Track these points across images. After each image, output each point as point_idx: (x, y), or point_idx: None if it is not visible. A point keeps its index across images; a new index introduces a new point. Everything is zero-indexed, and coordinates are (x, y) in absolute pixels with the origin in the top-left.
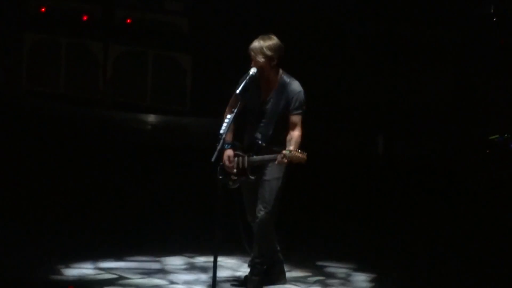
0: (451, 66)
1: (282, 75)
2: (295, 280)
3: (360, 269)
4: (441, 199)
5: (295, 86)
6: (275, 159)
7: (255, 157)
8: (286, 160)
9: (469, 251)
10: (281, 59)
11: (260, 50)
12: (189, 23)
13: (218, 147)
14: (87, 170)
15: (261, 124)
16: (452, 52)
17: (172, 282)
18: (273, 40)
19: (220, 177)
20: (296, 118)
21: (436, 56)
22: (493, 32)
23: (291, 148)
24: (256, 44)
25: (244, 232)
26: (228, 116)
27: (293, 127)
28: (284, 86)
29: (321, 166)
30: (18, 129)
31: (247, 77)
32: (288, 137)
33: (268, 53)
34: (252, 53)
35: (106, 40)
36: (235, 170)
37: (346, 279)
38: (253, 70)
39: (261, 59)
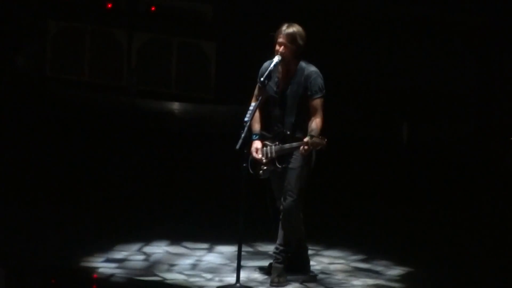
0: (474, 51)
1: (301, 62)
2: (320, 269)
3: (381, 257)
4: (465, 186)
5: (312, 70)
6: (299, 147)
7: (281, 146)
8: (307, 148)
9: (495, 238)
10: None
11: (293, 38)
12: (214, 10)
13: (243, 135)
14: (112, 158)
15: (284, 113)
16: (476, 37)
17: (196, 268)
18: (302, 30)
19: (251, 171)
20: (316, 103)
21: (459, 41)
22: None
23: (312, 133)
24: (290, 31)
25: (273, 218)
26: (253, 103)
27: (314, 112)
28: (301, 72)
29: (346, 154)
30: (43, 117)
31: (273, 65)
32: (310, 123)
33: (300, 42)
34: (284, 40)
35: (131, 28)
36: (264, 160)
37: (374, 271)
38: (277, 58)
39: (292, 47)
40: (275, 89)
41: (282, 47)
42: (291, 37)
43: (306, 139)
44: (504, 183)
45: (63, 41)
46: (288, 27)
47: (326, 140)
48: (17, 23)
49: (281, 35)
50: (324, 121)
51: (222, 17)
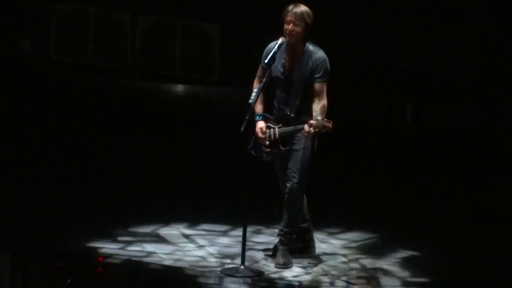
0: (479, 32)
1: (308, 44)
2: (324, 249)
3: (393, 241)
4: (470, 168)
5: (320, 54)
6: (302, 129)
7: (285, 128)
8: (313, 130)
9: (501, 220)
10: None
11: (302, 16)
12: None
13: (247, 117)
14: (116, 140)
15: (288, 95)
16: (480, 18)
17: (201, 250)
18: (309, 9)
19: (254, 153)
20: (320, 86)
21: (464, 22)
22: None
23: (318, 117)
24: (298, 10)
25: (275, 200)
26: (256, 85)
27: (317, 95)
28: (309, 55)
29: (350, 136)
30: (47, 100)
31: (276, 46)
32: (314, 106)
33: (308, 20)
34: (292, 18)
35: (135, 10)
36: (267, 142)
37: (379, 254)
38: (281, 39)
39: (301, 25)
40: (281, 70)
41: (291, 25)
42: (300, 15)
43: (311, 122)
44: (507, 165)
45: (67, 24)
46: (295, 6)
47: (331, 123)
48: (22, 6)
49: (289, 14)
50: (328, 105)
51: None
